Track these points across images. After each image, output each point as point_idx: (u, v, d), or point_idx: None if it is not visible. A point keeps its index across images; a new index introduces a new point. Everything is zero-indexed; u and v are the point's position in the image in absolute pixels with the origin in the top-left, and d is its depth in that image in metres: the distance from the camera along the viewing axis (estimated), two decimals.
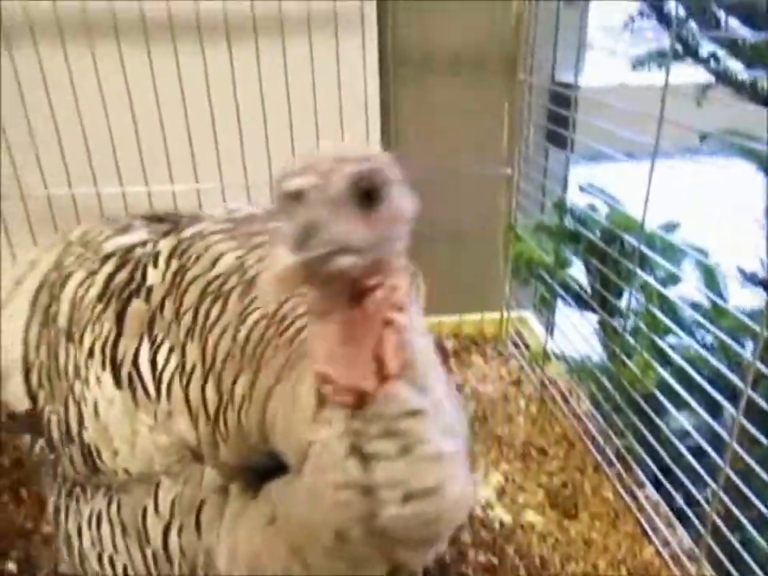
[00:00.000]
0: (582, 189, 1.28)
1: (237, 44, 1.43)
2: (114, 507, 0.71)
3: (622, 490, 1.17)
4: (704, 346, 1.05)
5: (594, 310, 1.27)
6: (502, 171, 1.63)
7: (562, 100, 1.41)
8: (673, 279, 1.09)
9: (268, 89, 1.46)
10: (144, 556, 0.69)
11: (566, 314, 1.36)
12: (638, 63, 1.11)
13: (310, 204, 0.46)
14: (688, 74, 1.10)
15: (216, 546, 0.64)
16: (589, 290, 1.29)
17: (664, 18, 1.04)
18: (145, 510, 0.68)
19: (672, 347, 1.06)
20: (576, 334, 1.33)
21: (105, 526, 0.72)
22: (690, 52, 1.07)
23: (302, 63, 1.46)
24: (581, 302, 1.30)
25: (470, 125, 1.68)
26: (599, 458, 1.24)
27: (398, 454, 0.53)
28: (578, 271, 1.32)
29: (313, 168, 0.47)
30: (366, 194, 0.48)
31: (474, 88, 1.64)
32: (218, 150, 1.48)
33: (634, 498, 1.15)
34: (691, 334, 1.09)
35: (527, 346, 1.63)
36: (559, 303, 1.37)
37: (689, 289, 1.12)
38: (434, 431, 0.54)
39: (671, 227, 1.16)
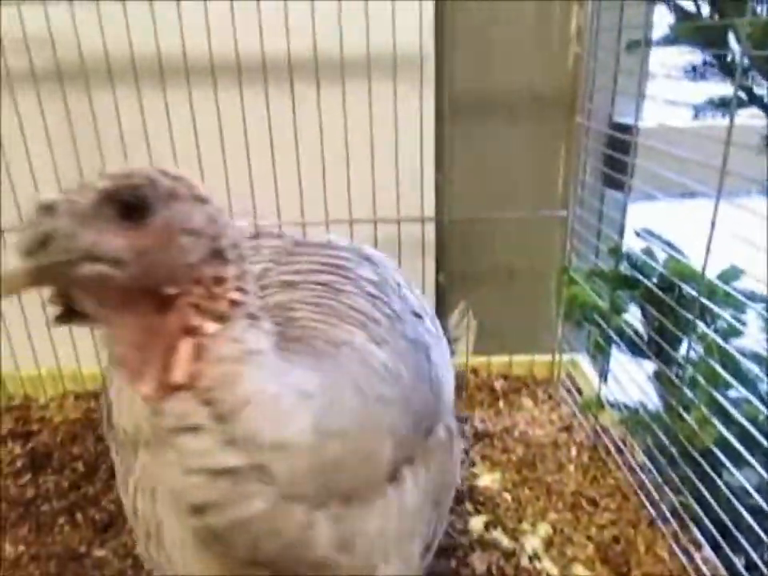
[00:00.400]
0: (638, 234, 1.26)
1: (299, 87, 1.49)
2: (118, 459, 0.77)
3: (677, 550, 1.12)
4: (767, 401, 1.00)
5: (649, 358, 1.24)
6: (557, 213, 1.62)
7: (620, 143, 1.40)
8: (734, 332, 1.05)
9: (327, 131, 1.51)
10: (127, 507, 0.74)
11: (621, 361, 1.33)
12: (700, 110, 1.10)
13: (56, 216, 0.50)
14: (747, 115, 1.08)
15: (165, 522, 0.65)
16: (645, 337, 1.26)
17: (726, 68, 1.03)
18: (128, 469, 0.72)
19: (732, 402, 1.02)
20: (630, 381, 1.29)
21: (118, 474, 0.78)
22: (755, 100, 1.05)
23: (359, 105, 1.51)
24: (636, 349, 1.27)
25: (526, 168, 1.69)
26: (654, 514, 1.20)
27: (175, 466, 0.53)
28: (633, 317, 1.30)
29: (76, 185, 0.52)
30: (128, 209, 0.51)
31: (530, 131, 1.65)
32: (278, 189, 1.53)
33: (691, 558, 1.09)
34: (754, 388, 1.04)
35: (579, 391, 1.59)
36: (613, 349, 1.34)
37: (752, 340, 1.08)
38: (215, 446, 0.53)
39: (734, 274, 1.13)
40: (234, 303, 0.56)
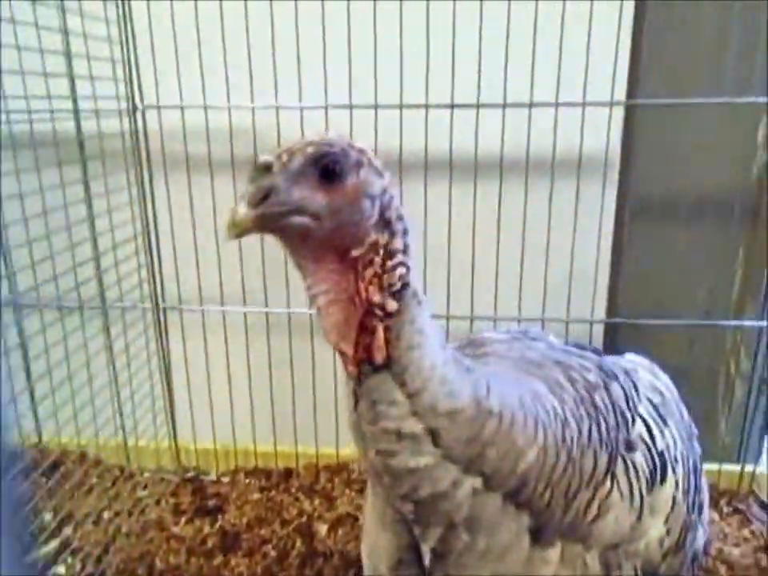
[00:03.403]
0: None
1: (482, 181, 1.54)
2: None
3: None
4: None
5: None
6: (756, 324, 1.56)
7: None
8: None
9: (505, 227, 1.57)
10: None
11: None
12: None
13: (273, 173, 0.61)
14: None
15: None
16: None
17: None
18: None
19: None
20: None
21: None
22: None
23: (541, 201, 1.54)
24: None
25: (700, 273, 1.68)
26: None
27: (371, 422, 0.66)
28: None
29: (283, 148, 0.62)
30: (327, 171, 0.62)
31: (707, 237, 1.64)
32: (450, 281, 1.57)
33: None
34: None
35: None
36: None
37: None
38: (405, 415, 0.64)
39: None
40: (402, 278, 0.65)
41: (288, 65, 1.45)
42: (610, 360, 0.92)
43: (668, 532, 0.78)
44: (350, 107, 1.46)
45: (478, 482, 0.67)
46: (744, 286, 1.71)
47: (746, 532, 1.48)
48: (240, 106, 1.50)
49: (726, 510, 1.56)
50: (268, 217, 0.60)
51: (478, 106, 1.46)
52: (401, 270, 0.65)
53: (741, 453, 1.60)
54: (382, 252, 0.65)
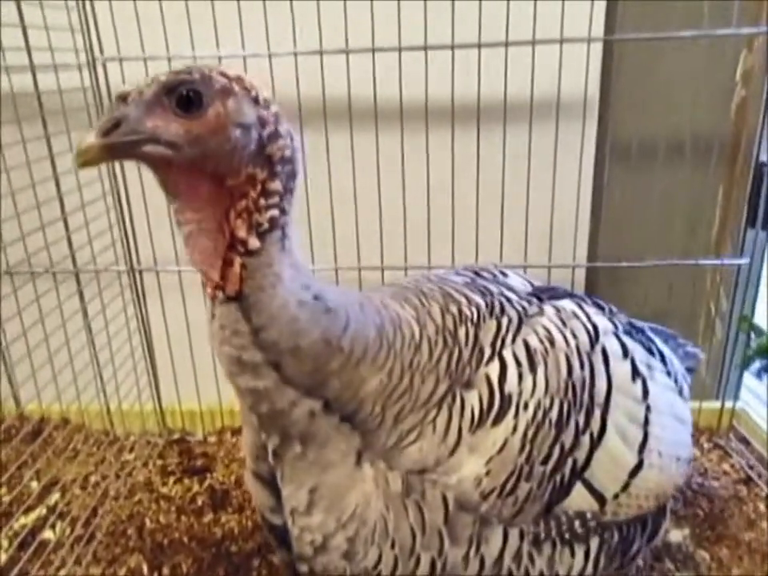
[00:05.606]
0: None
1: (460, 128, 1.51)
2: None
3: None
4: None
5: None
6: (738, 262, 1.54)
7: None
8: None
9: (484, 173, 1.53)
10: None
11: None
12: None
13: (127, 103, 0.61)
14: None
15: None
16: None
17: None
18: None
19: None
20: None
21: None
22: None
23: (519, 145, 1.51)
24: None
25: (681, 212, 1.68)
26: None
27: (219, 344, 0.70)
28: None
29: (146, 79, 0.62)
30: (183, 100, 0.61)
31: (692, 177, 1.63)
32: (430, 231, 1.55)
33: None
34: None
35: (746, 441, 1.55)
36: None
37: None
38: (248, 346, 0.68)
39: None
40: (273, 221, 0.67)
41: (255, 11, 1.39)
42: (524, 304, 0.87)
43: (488, 473, 0.76)
44: (320, 53, 1.41)
45: (317, 405, 0.73)
46: (723, 225, 1.72)
47: (725, 466, 1.51)
48: (205, 56, 1.43)
49: (706, 446, 1.59)
50: (117, 146, 0.61)
51: (452, 48, 1.41)
52: (273, 212, 0.67)
53: (720, 390, 1.63)
54: (259, 188, 0.66)
